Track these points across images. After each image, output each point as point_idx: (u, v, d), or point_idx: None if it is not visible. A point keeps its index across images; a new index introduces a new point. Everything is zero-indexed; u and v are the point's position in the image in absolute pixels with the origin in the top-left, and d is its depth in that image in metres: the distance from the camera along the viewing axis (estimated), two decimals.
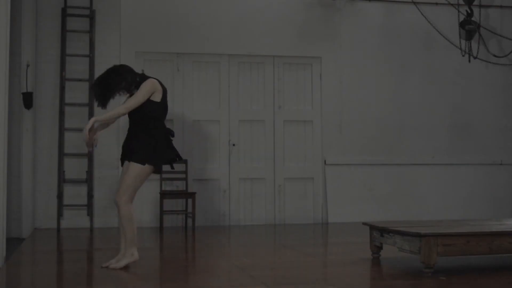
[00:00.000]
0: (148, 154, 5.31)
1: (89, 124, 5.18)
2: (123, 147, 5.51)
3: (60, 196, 8.58)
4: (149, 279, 5.06)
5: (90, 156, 8.72)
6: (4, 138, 5.60)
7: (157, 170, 5.46)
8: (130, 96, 5.45)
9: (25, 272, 5.73)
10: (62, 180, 8.61)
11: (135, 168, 5.29)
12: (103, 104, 5.34)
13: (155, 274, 5.38)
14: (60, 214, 8.55)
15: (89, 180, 8.73)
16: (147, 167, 5.32)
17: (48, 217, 8.60)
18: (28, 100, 8.30)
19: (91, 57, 8.85)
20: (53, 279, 5.20)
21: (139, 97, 5.30)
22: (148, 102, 5.33)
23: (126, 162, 5.44)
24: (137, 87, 5.39)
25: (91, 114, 8.79)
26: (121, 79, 5.35)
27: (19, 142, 8.33)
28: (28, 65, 8.32)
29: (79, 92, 8.84)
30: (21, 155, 8.34)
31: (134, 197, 5.36)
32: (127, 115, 5.45)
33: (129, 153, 5.38)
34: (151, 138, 5.34)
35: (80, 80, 8.81)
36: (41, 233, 8.22)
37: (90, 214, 8.70)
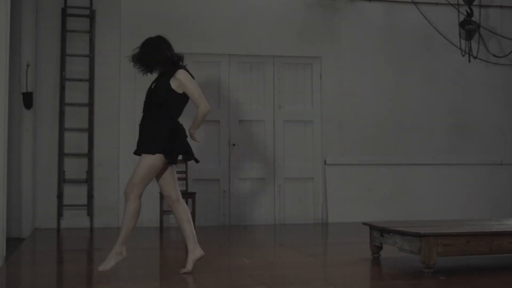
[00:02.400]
0: (160, 144, 5.06)
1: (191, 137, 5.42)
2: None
3: (60, 196, 8.58)
4: (149, 279, 5.06)
5: (90, 156, 8.73)
6: (4, 138, 5.60)
7: (173, 160, 5.18)
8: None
9: (25, 272, 5.73)
10: (62, 180, 8.61)
11: (147, 159, 5.01)
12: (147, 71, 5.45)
13: (155, 274, 5.38)
14: (60, 214, 8.55)
15: (89, 180, 8.73)
16: (158, 157, 5.02)
17: (48, 217, 8.60)
18: (28, 100, 8.30)
19: (91, 57, 8.85)
20: (53, 279, 5.20)
21: (196, 90, 5.24)
22: (172, 91, 5.16)
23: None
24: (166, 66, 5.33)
25: (91, 114, 8.81)
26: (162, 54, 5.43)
27: (19, 142, 8.32)
28: (28, 65, 8.31)
29: (79, 92, 8.84)
30: (21, 155, 8.34)
31: (142, 193, 5.03)
32: (143, 102, 5.28)
33: (141, 145, 5.11)
34: (164, 127, 5.14)
35: (80, 80, 8.81)
36: (41, 233, 8.22)
37: (90, 214, 8.70)
